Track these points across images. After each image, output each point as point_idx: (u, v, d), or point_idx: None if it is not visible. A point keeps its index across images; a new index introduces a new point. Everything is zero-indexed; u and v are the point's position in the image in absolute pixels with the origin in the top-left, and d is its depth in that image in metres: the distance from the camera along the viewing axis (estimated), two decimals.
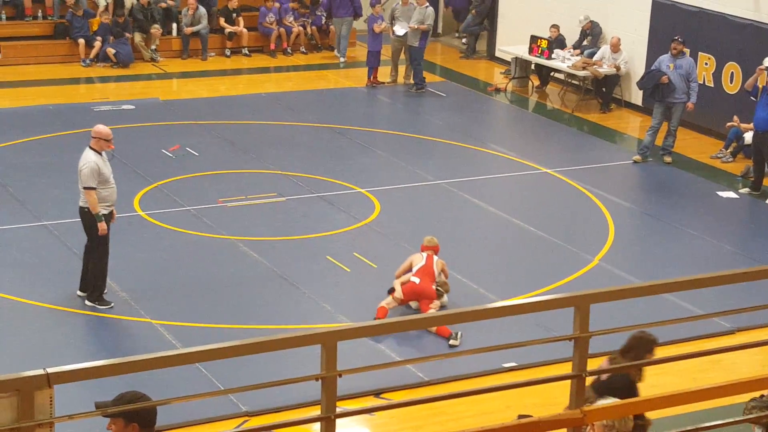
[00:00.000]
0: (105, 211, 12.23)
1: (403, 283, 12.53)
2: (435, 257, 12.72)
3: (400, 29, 22.22)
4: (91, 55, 23.19)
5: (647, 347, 8.12)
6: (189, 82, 22.72)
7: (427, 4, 22.22)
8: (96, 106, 20.23)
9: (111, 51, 23.08)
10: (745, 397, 8.45)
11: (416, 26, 22.06)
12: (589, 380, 5.53)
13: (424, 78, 22.47)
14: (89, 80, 22.70)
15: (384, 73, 23.09)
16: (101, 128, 12.43)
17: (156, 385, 10.19)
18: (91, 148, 12.29)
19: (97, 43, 23.17)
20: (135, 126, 19.10)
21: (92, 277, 12.41)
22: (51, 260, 13.67)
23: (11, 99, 20.66)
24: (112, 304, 12.36)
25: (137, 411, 5.65)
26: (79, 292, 12.57)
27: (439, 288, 12.62)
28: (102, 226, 12.19)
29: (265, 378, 5.31)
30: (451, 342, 11.84)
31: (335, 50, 25.20)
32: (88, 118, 19.40)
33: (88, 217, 12.26)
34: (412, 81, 22.62)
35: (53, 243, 14.14)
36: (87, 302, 12.39)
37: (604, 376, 7.38)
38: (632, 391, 7.52)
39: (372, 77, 22.69)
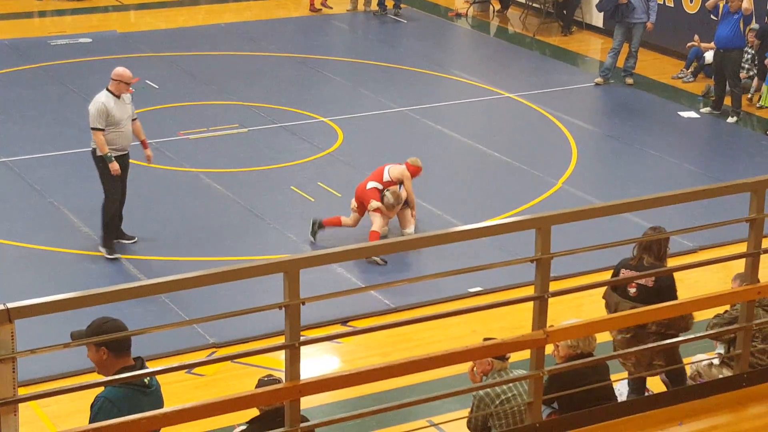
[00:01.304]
0: (113, 155, 11.84)
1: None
2: (395, 166, 12.66)
3: None
4: None
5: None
6: (147, 13, 22.43)
7: None
8: (52, 40, 19.97)
9: None
10: (707, 314, 8.56)
11: None
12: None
13: (385, 3, 22.37)
14: (44, 14, 22.38)
15: (344, 1, 22.88)
16: (122, 70, 11.93)
17: (123, 319, 10.13)
18: (107, 89, 11.85)
19: None
20: (93, 59, 18.87)
21: (102, 221, 12.06)
22: (12, 197, 13.56)
23: None
24: (118, 256, 12.00)
25: (107, 334, 5.65)
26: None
27: (385, 191, 12.45)
28: (113, 166, 11.78)
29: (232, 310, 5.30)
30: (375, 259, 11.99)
31: None
32: (44, 52, 19.19)
33: (93, 159, 11.96)
34: (372, 8, 22.49)
35: (14, 179, 14.02)
36: (100, 247, 12.08)
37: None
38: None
39: (314, 2, 22.55)
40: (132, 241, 12.30)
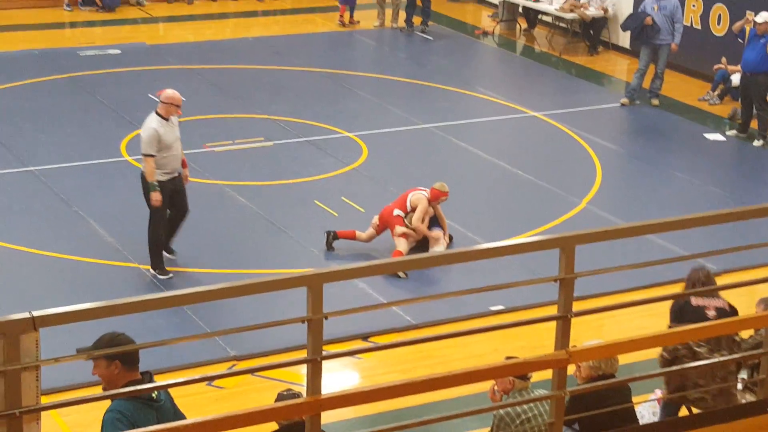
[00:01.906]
0: (163, 178, 11.61)
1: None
2: (417, 193, 12.74)
3: None
4: None
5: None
6: (175, 26, 22.56)
7: None
8: (82, 51, 20.10)
9: None
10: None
11: None
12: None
13: (413, 20, 22.47)
14: (74, 25, 22.54)
15: (371, 17, 22.97)
16: (172, 93, 11.70)
17: (145, 331, 10.22)
18: (157, 113, 11.61)
19: None
20: (121, 71, 19.00)
21: (149, 245, 11.87)
22: (37, 206, 13.64)
23: None
24: (171, 275, 11.84)
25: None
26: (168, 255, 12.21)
27: (406, 220, 12.64)
28: (155, 196, 11.54)
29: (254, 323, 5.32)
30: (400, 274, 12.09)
31: None
32: (74, 63, 19.32)
33: (142, 183, 11.78)
34: (400, 25, 22.58)
35: (40, 188, 14.10)
36: (150, 270, 11.91)
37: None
38: None
39: (347, 16, 22.65)
40: (171, 256, 12.15)
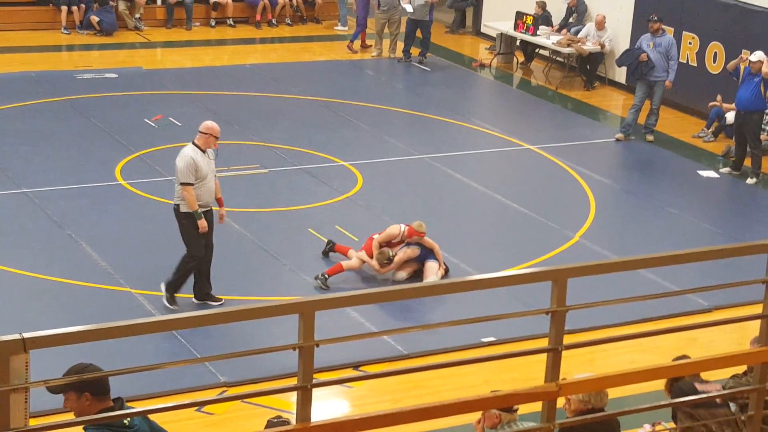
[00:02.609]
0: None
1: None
2: (396, 225, 12.89)
3: (409, 6, 22.22)
4: (77, 22, 23.07)
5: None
6: (173, 51, 22.64)
7: None
8: (79, 74, 20.16)
9: (95, 19, 22.96)
10: (723, 374, 8.51)
11: (425, 0, 22.14)
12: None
13: (410, 51, 22.58)
14: (72, 48, 22.60)
15: (369, 47, 23.09)
16: (212, 124, 11.60)
17: (136, 355, 10.21)
18: (194, 143, 11.48)
19: (76, 9, 22.99)
20: (118, 95, 19.05)
21: (174, 272, 11.63)
22: (30, 228, 13.63)
23: None
24: (177, 308, 11.66)
25: (87, 381, 5.66)
26: (194, 300, 11.92)
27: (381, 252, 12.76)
28: (202, 223, 11.40)
29: (245, 350, 5.31)
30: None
31: (338, 22, 25.18)
32: (70, 86, 19.37)
33: (178, 215, 11.53)
34: (397, 55, 22.68)
35: (34, 210, 14.10)
36: (164, 292, 11.69)
37: None
38: None
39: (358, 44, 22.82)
40: (219, 303, 11.84)
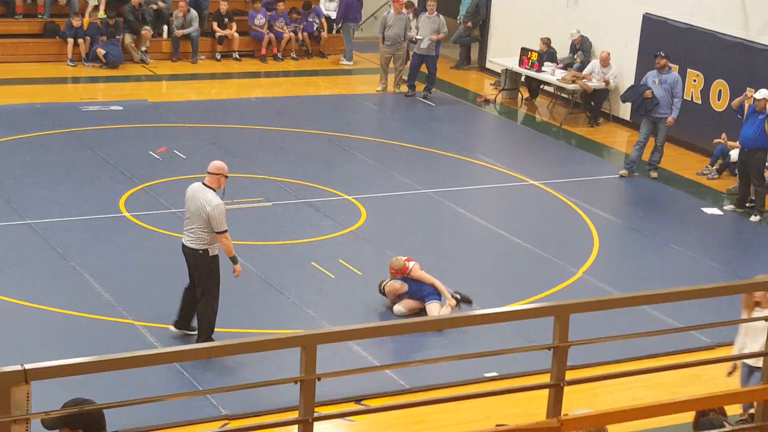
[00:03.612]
0: (215, 252, 11.43)
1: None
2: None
3: (425, 41, 22.31)
4: (83, 54, 23.17)
5: None
6: (178, 84, 22.72)
7: (436, 12, 22.43)
8: (84, 106, 20.22)
9: (101, 51, 23.06)
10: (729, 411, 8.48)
11: (435, 37, 22.24)
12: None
13: (415, 86, 22.66)
14: (77, 80, 22.69)
15: (374, 81, 23.17)
16: (221, 164, 11.53)
17: (138, 387, 10.20)
18: (206, 186, 11.40)
19: (82, 42, 23.09)
20: (123, 127, 19.10)
21: (202, 322, 11.54)
22: (35, 259, 13.64)
23: None
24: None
25: (80, 417, 5.62)
26: (173, 328, 11.83)
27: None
28: (238, 268, 11.50)
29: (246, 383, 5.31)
30: None
31: (343, 56, 25.27)
32: (76, 118, 19.43)
33: (204, 260, 11.39)
34: (402, 90, 22.77)
35: (38, 242, 14.11)
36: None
37: None
38: None
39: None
40: (190, 332, 11.85)
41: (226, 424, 10.31)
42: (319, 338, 4.82)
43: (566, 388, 5.20)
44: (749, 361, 10.35)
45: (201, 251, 11.39)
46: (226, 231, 11.31)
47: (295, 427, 4.86)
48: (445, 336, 12.11)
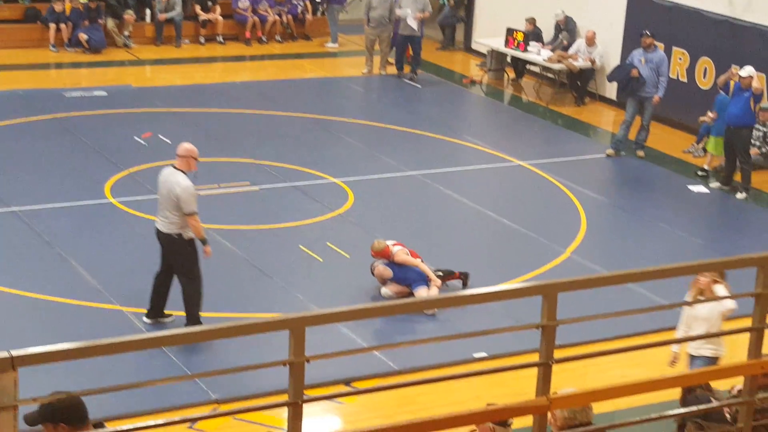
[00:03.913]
0: (189, 236, 11.37)
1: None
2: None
3: (412, 21, 22.25)
4: (65, 40, 23.05)
5: None
6: (162, 69, 22.63)
7: None
8: (68, 92, 20.14)
9: (83, 36, 22.95)
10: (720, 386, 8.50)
11: (420, 15, 22.21)
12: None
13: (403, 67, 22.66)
14: (60, 65, 22.58)
15: (359, 64, 23.12)
16: (190, 146, 11.49)
17: (125, 373, 10.17)
18: (177, 168, 11.37)
19: (64, 27, 22.97)
20: (107, 113, 19.03)
21: (189, 304, 11.49)
22: (20, 246, 13.60)
23: None
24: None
25: (60, 412, 5.62)
26: (146, 319, 11.78)
27: None
28: (208, 249, 11.43)
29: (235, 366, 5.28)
30: None
31: (330, 39, 25.20)
32: (59, 104, 19.35)
33: (180, 244, 11.38)
34: (387, 71, 22.72)
35: (22, 229, 14.06)
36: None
37: None
38: None
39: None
40: (171, 319, 11.82)
41: (216, 408, 10.30)
42: (307, 321, 4.80)
43: (555, 367, 5.20)
44: (691, 350, 10.43)
45: (176, 236, 11.38)
46: (195, 213, 11.29)
47: (284, 410, 4.84)
48: (434, 317, 12.11)
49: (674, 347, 10.58)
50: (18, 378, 4.29)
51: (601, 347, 11.02)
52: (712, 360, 10.26)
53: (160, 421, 5.02)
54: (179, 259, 11.50)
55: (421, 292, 12.69)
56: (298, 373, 4.77)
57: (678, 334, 10.48)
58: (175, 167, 11.44)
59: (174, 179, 11.32)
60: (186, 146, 11.55)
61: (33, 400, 4.38)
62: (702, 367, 9.47)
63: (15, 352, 4.22)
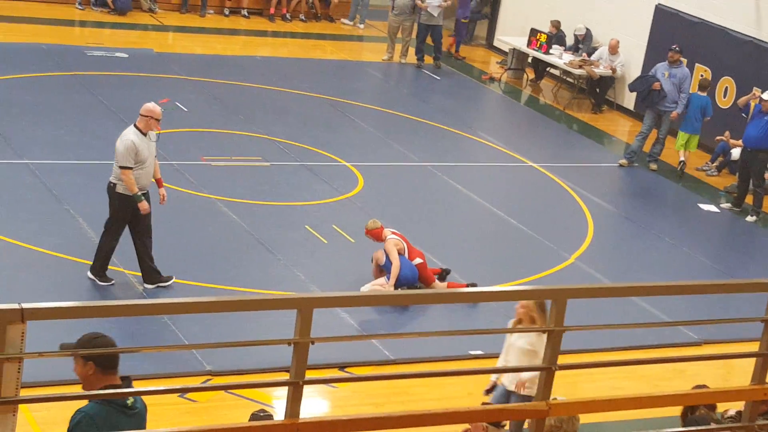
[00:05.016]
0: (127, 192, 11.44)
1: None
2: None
3: (434, 8, 22.24)
4: None
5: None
6: (185, 37, 22.60)
7: None
8: (89, 51, 20.12)
9: None
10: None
11: (444, 3, 22.18)
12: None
13: (424, 57, 22.63)
14: (84, 24, 22.56)
15: (381, 50, 23.08)
16: (152, 106, 11.59)
17: (124, 336, 10.19)
18: (135, 126, 11.50)
19: None
20: (126, 74, 19.02)
21: (98, 251, 11.70)
22: (29, 199, 13.61)
23: (3, 33, 20.48)
24: (113, 281, 11.73)
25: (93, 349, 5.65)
26: (146, 285, 11.83)
27: None
28: (144, 205, 11.46)
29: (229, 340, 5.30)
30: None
31: (355, 20, 25.17)
32: (80, 62, 19.34)
33: (111, 193, 11.54)
34: (408, 60, 22.68)
35: (33, 182, 14.08)
36: (89, 274, 11.73)
37: None
38: None
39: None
40: (169, 282, 11.89)
41: (209, 380, 10.30)
42: (316, 302, 4.81)
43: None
44: (506, 383, 9.15)
45: (111, 184, 11.57)
46: (128, 168, 11.38)
47: (277, 388, 4.85)
48: (427, 310, 12.08)
49: (493, 376, 9.42)
50: (26, 331, 4.30)
51: (597, 356, 11.07)
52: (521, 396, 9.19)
53: (152, 388, 5.03)
54: (109, 209, 11.65)
55: (367, 286, 12.47)
56: (302, 353, 4.78)
57: (499, 362, 9.36)
58: (135, 125, 11.58)
59: (122, 133, 11.58)
60: (148, 106, 11.68)
61: (39, 354, 4.38)
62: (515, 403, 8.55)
63: (25, 305, 4.23)
